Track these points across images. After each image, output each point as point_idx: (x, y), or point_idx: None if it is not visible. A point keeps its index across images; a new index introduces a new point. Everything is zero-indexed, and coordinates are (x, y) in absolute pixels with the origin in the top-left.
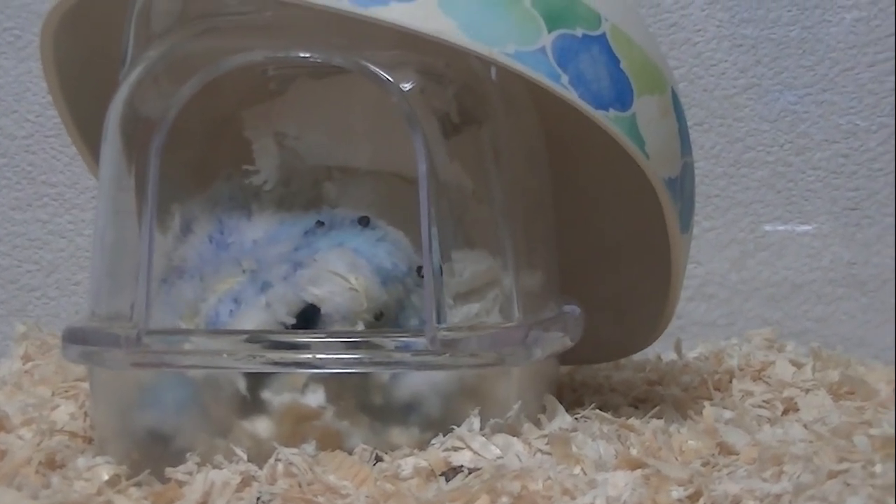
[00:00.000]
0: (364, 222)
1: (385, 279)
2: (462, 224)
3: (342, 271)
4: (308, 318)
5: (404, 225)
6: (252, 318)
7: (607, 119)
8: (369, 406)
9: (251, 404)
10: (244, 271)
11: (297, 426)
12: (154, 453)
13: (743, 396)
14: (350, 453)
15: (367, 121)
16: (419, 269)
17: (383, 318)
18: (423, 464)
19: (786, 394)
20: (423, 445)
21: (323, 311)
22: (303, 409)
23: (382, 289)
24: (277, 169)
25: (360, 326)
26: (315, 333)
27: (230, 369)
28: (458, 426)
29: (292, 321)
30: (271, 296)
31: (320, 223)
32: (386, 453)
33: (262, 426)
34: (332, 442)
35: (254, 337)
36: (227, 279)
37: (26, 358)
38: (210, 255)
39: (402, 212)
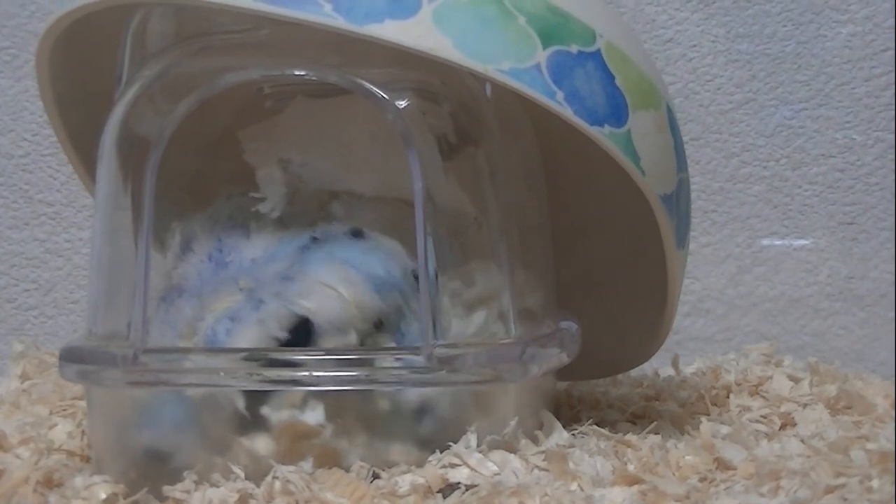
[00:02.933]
0: (356, 233)
1: (379, 286)
2: (459, 243)
3: (331, 282)
4: (303, 331)
5: (411, 249)
6: (247, 336)
7: (602, 135)
8: (369, 423)
9: (249, 422)
10: (241, 290)
11: (295, 444)
12: (152, 472)
13: (740, 411)
14: (347, 470)
15: (371, 146)
16: (415, 273)
17: (384, 327)
18: (421, 481)
19: (783, 409)
20: (420, 462)
21: (315, 322)
22: (301, 426)
23: (376, 296)
24: (284, 196)
25: (354, 336)
26: (312, 351)
27: (227, 387)
28: (456, 443)
29: (285, 336)
30: (263, 312)
31: (315, 239)
32: (383, 470)
33: (260, 443)
34: (330, 459)
35: (250, 355)
36: (224, 298)
37: (24, 377)
38: (209, 275)
39: (409, 236)
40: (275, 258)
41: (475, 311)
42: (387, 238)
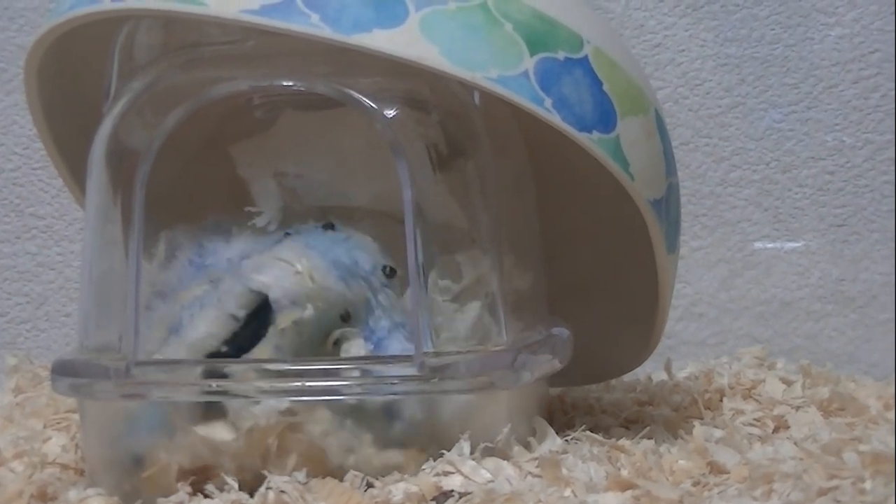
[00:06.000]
0: (328, 227)
1: (344, 274)
2: (449, 249)
3: (287, 258)
4: (260, 309)
5: (403, 264)
6: (206, 318)
7: (591, 141)
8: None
9: (216, 414)
10: (211, 282)
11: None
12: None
13: (733, 415)
14: (341, 480)
15: (364, 158)
16: (384, 267)
17: (351, 320)
18: (415, 489)
19: (776, 411)
20: (412, 470)
21: (271, 297)
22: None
23: (341, 283)
24: (280, 210)
25: (311, 311)
26: (304, 361)
27: (220, 397)
28: (448, 450)
29: (243, 313)
30: (220, 291)
31: (287, 234)
32: (377, 479)
33: (219, 432)
34: (316, 459)
35: (243, 363)
36: (193, 289)
37: (17, 390)
38: (188, 278)
39: (401, 251)
40: (248, 255)
41: (467, 303)
42: (360, 233)
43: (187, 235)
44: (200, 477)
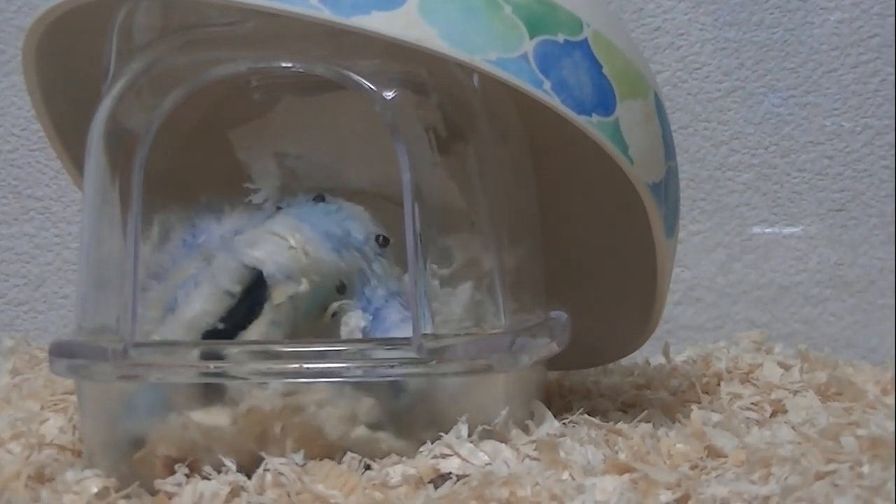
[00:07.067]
0: (319, 199)
1: (337, 245)
2: (447, 231)
3: (279, 231)
4: (255, 283)
5: (402, 247)
6: (201, 295)
7: (590, 125)
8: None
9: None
10: (204, 259)
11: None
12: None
13: (731, 399)
14: (339, 462)
15: (364, 141)
16: (377, 237)
17: (347, 291)
18: (412, 471)
19: (774, 396)
20: (410, 452)
21: (265, 272)
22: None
23: (334, 254)
24: (278, 190)
25: (306, 285)
26: (302, 343)
27: (217, 379)
28: (446, 433)
29: (237, 289)
30: (214, 267)
31: (279, 208)
32: (374, 461)
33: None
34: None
35: (241, 345)
36: (186, 268)
37: (15, 372)
38: (181, 258)
39: (399, 236)
40: (241, 231)
41: (459, 284)
42: (350, 203)
43: (180, 217)
44: (193, 462)
